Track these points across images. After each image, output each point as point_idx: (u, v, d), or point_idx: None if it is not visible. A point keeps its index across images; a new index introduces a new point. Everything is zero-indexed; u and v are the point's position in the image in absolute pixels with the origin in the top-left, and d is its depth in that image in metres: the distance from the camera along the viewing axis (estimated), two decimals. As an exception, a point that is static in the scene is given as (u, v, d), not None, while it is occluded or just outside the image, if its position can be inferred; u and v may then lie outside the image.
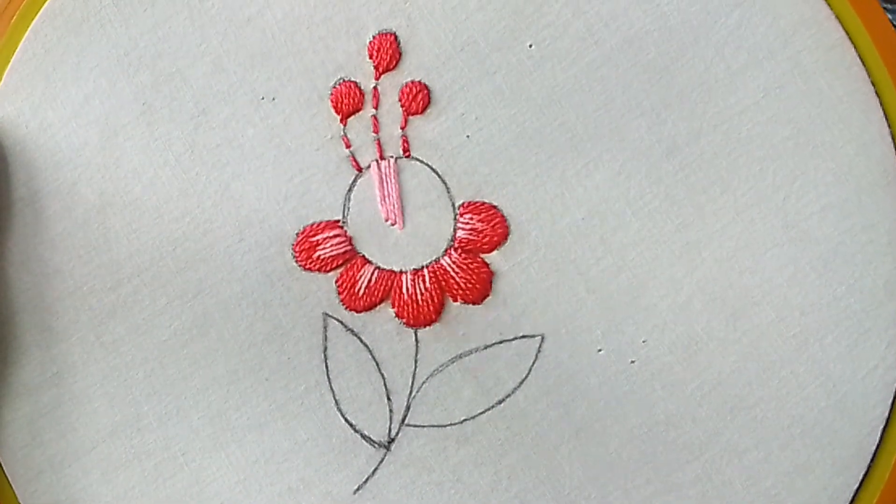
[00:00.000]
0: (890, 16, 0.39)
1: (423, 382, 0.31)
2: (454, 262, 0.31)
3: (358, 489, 0.31)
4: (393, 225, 0.31)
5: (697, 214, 0.31)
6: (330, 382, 0.31)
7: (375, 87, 0.31)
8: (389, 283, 0.31)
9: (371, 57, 0.31)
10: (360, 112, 0.31)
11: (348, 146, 0.31)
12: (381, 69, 0.31)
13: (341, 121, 0.31)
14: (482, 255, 0.31)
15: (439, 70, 0.31)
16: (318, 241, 0.31)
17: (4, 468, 0.30)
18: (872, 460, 0.31)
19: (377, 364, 0.31)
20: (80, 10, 0.31)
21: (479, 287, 0.31)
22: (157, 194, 0.31)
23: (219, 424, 0.31)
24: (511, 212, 0.31)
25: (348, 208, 0.31)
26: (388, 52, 0.31)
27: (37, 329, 0.30)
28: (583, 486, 0.31)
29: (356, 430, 0.31)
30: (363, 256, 0.31)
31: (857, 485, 0.31)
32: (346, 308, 0.31)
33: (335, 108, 0.31)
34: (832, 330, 0.31)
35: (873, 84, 0.32)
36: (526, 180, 0.32)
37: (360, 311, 0.31)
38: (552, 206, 0.32)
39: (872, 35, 0.32)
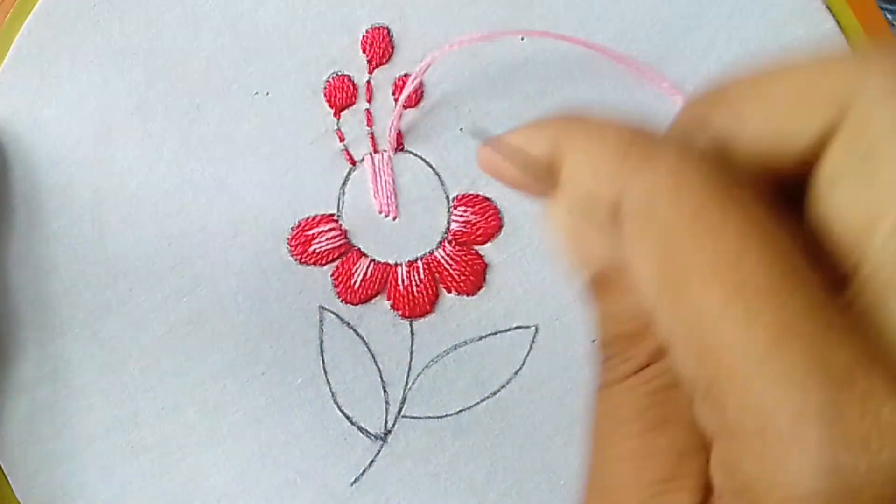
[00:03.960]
0: (889, 16, 0.39)
1: (419, 374, 0.31)
2: (448, 255, 0.31)
3: (355, 481, 0.31)
4: (387, 218, 0.31)
5: (690, 205, 0.31)
6: (326, 375, 0.31)
7: (369, 81, 0.31)
8: (385, 275, 0.31)
9: (364, 51, 0.31)
10: (354, 106, 0.31)
11: (342, 140, 0.31)
12: (374, 63, 0.31)
13: (335, 115, 0.31)
14: (476, 247, 0.31)
15: (432, 64, 0.31)
16: (313, 234, 0.31)
17: (2, 465, 0.30)
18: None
19: (373, 356, 0.31)
20: (74, 8, 0.31)
21: (474, 279, 0.31)
22: (152, 190, 0.31)
23: (216, 419, 0.31)
24: (504, 204, 0.32)
25: (343, 202, 0.31)
26: (381, 46, 0.31)
27: (33, 326, 0.30)
28: (578, 477, 0.31)
29: (353, 423, 0.31)
30: (358, 249, 0.31)
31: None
32: (341, 301, 0.31)
33: (329, 102, 0.31)
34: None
35: (864, 75, 0.32)
36: (519, 173, 0.32)
37: (356, 304, 0.31)
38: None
39: (864, 26, 0.32)
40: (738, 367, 0.16)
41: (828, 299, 0.16)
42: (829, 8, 0.32)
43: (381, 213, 0.31)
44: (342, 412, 0.31)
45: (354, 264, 0.31)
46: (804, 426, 0.16)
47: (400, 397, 0.31)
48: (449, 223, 0.31)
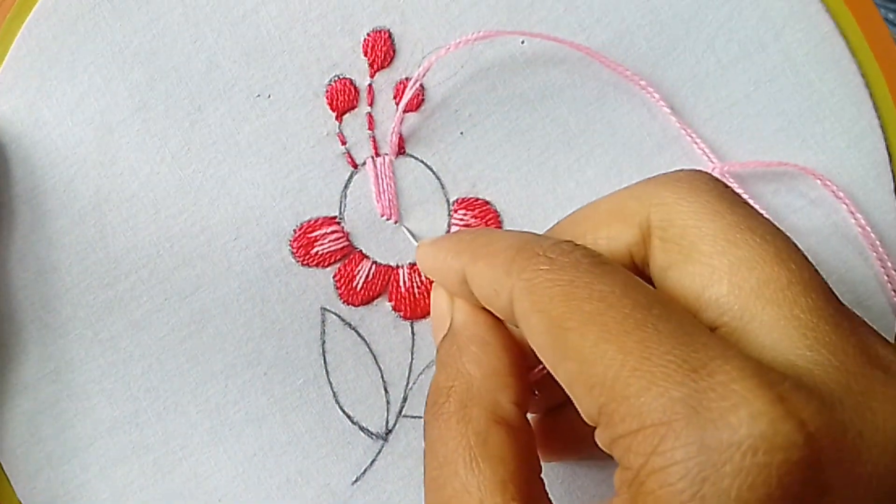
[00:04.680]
0: (892, 15, 0.39)
1: (420, 374, 0.31)
2: (449, 257, 0.31)
3: (356, 480, 0.31)
4: (388, 220, 0.31)
5: (689, 207, 0.31)
6: (328, 375, 0.31)
7: (370, 85, 0.31)
8: (386, 277, 0.31)
9: (365, 54, 0.31)
10: (356, 109, 0.31)
11: (344, 143, 0.31)
12: (375, 66, 0.31)
13: (337, 118, 0.31)
14: (477, 250, 0.31)
15: (433, 67, 0.31)
16: (315, 237, 0.31)
17: (3, 465, 0.30)
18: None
19: (374, 357, 0.31)
20: (75, 8, 0.30)
21: (475, 281, 0.31)
22: (153, 191, 0.31)
23: (217, 418, 0.31)
24: (504, 207, 0.32)
25: (345, 204, 0.31)
26: (382, 49, 0.31)
27: (35, 326, 0.30)
28: (577, 472, 0.31)
29: (354, 423, 0.31)
30: (360, 252, 0.31)
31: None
32: (343, 302, 0.31)
33: (330, 105, 0.31)
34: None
35: (863, 76, 0.32)
36: (519, 176, 0.32)
37: (358, 306, 0.31)
38: (545, 200, 0.32)
39: (863, 27, 0.33)
40: (617, 385, 0.20)
41: (686, 317, 0.21)
42: (827, 9, 0.32)
43: (382, 216, 0.31)
44: (343, 412, 0.31)
45: (356, 266, 0.31)
46: (672, 415, 0.19)
47: (401, 397, 0.31)
48: (449, 226, 0.32)
